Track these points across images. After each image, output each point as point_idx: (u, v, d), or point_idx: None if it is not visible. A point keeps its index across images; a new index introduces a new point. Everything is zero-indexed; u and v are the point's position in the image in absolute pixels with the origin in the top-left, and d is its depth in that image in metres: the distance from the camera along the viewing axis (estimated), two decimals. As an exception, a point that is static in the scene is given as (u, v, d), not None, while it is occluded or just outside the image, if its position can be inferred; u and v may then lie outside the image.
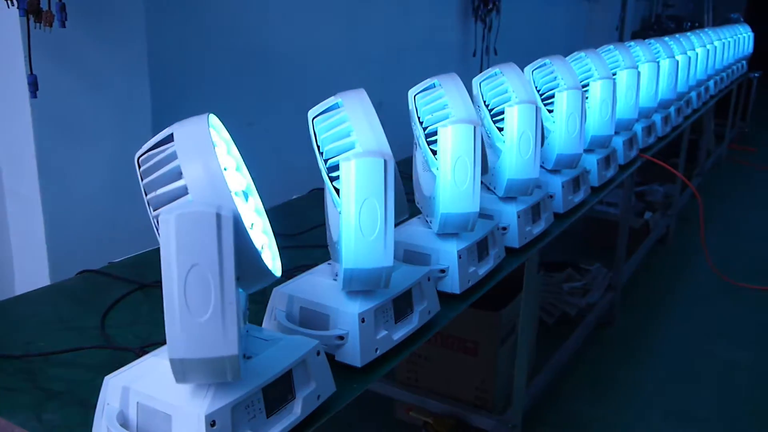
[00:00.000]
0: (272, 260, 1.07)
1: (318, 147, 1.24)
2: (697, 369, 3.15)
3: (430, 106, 1.54)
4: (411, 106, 1.58)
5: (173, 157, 0.91)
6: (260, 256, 0.95)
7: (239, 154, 1.07)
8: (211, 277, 0.84)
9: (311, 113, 1.27)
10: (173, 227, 0.83)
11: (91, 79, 2.10)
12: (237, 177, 1.03)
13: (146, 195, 0.94)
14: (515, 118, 1.74)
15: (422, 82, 1.59)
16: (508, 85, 1.82)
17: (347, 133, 1.20)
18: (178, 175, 0.91)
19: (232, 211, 0.86)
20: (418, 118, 1.56)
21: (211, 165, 0.90)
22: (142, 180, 0.95)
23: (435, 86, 1.56)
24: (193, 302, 0.84)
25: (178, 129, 0.93)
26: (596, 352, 3.24)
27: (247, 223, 0.96)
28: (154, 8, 2.34)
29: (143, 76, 2.24)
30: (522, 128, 1.74)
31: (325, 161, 1.22)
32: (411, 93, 1.59)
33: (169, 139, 0.93)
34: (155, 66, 2.30)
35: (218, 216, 0.84)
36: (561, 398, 2.85)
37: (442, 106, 1.52)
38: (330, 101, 1.26)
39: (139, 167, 0.96)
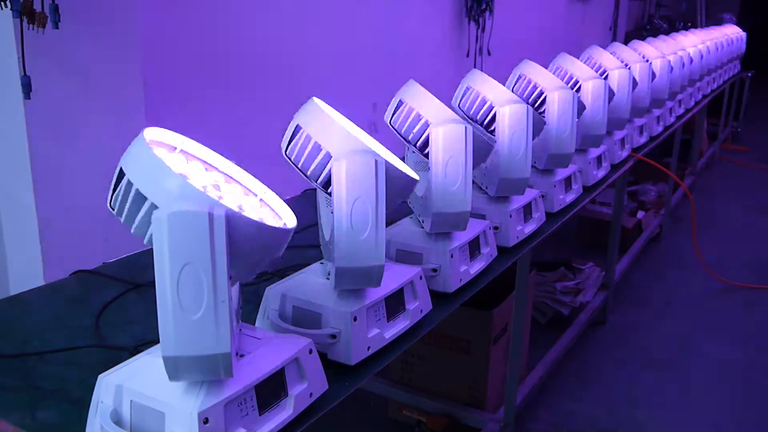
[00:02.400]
0: (284, 216, 1.08)
1: (302, 172, 1.24)
2: (690, 367, 3.17)
3: (408, 123, 1.54)
4: (392, 131, 1.59)
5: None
6: (265, 227, 0.95)
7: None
8: (204, 275, 0.85)
9: (283, 147, 1.27)
10: (165, 226, 0.84)
11: (84, 81, 2.11)
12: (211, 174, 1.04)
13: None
14: (506, 118, 1.75)
15: (389, 106, 1.59)
16: (484, 94, 1.83)
17: (318, 150, 1.20)
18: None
19: (224, 209, 0.87)
20: (404, 138, 1.57)
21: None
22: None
23: (402, 103, 1.56)
24: (186, 300, 0.85)
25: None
26: (589, 351, 3.26)
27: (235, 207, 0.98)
28: (148, 10, 2.35)
29: (137, 77, 2.25)
30: (513, 128, 1.75)
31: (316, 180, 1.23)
32: (386, 120, 1.60)
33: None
34: (149, 67, 2.31)
35: (210, 216, 0.85)
36: (553, 397, 2.87)
37: (418, 118, 1.53)
38: (290, 128, 1.26)
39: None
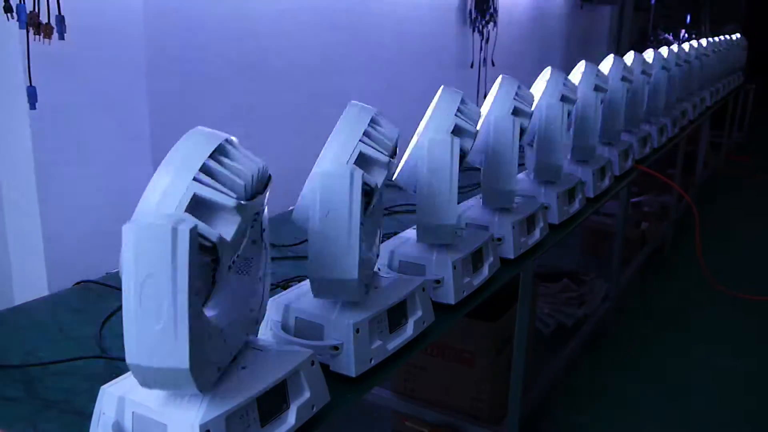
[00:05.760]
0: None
1: None
2: (693, 378, 3.16)
3: None
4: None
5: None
6: None
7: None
8: (164, 289, 0.85)
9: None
10: (132, 238, 0.85)
11: (89, 91, 2.12)
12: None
13: None
14: (491, 131, 1.76)
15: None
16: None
17: None
18: None
19: (192, 224, 0.87)
20: None
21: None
22: None
23: None
24: (147, 312, 0.85)
25: None
26: (592, 362, 3.25)
27: None
28: (152, 20, 2.36)
29: (141, 87, 2.26)
30: (497, 142, 1.77)
31: None
32: None
33: None
34: (153, 78, 2.32)
35: (174, 230, 0.84)
36: (557, 409, 2.86)
37: None
38: None
39: None
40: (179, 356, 0.86)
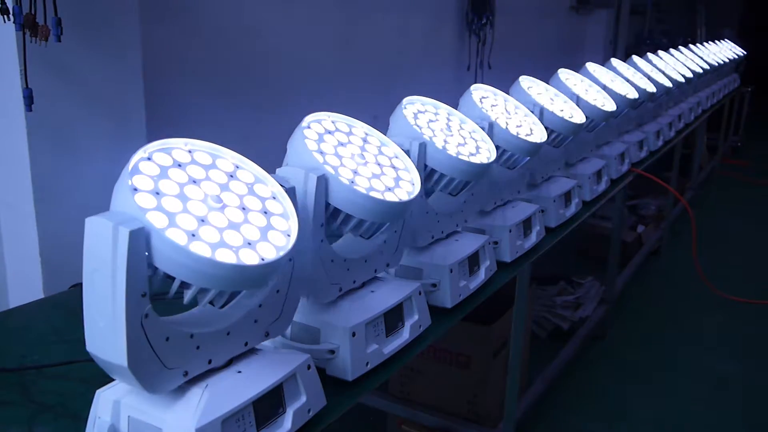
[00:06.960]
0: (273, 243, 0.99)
1: None
2: (689, 382, 3.16)
3: None
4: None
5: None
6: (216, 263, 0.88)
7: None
8: (106, 286, 0.85)
9: None
10: (86, 229, 0.86)
11: (86, 93, 2.11)
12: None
13: None
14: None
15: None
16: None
17: None
18: None
19: (139, 225, 0.84)
20: None
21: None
22: None
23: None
24: (95, 306, 0.87)
25: None
26: (588, 365, 3.25)
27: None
28: (149, 22, 2.36)
29: (138, 89, 2.26)
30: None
31: None
32: None
33: None
34: (150, 79, 2.31)
35: (115, 229, 0.83)
36: (553, 412, 2.86)
37: None
38: None
39: None
40: (118, 354, 0.87)
